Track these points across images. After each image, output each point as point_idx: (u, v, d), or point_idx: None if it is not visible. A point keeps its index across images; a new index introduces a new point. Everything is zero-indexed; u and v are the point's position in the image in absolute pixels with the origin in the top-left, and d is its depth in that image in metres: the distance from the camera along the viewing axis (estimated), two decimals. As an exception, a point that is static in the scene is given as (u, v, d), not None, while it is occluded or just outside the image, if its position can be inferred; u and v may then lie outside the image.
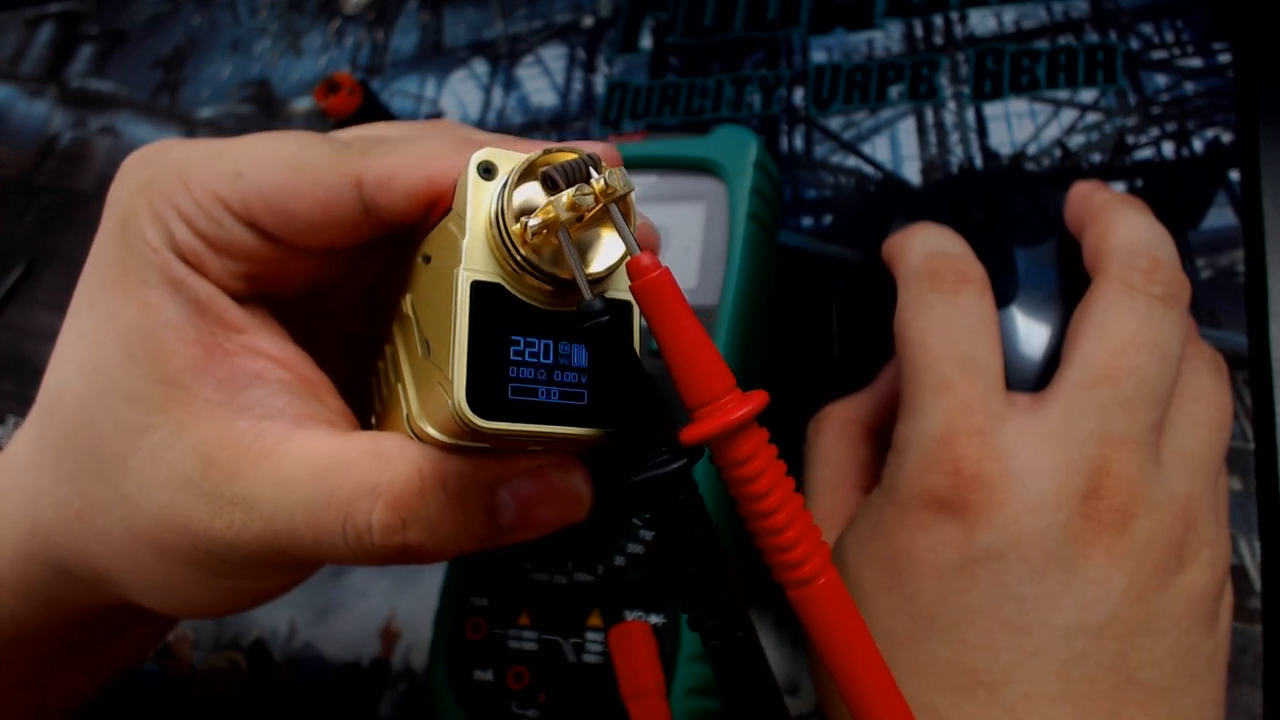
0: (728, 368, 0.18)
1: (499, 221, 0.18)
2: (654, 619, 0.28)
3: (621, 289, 0.19)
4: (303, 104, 0.49)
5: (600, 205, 0.18)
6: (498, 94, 0.45)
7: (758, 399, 0.18)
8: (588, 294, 0.18)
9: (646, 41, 0.44)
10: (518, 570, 0.30)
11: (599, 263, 0.18)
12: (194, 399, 0.21)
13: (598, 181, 0.18)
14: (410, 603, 0.36)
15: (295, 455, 0.20)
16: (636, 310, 0.19)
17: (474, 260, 0.18)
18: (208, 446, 0.21)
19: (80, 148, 0.53)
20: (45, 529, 0.23)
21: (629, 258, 0.18)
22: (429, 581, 0.36)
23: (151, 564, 0.22)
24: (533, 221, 0.17)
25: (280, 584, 0.25)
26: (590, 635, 0.28)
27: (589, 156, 0.18)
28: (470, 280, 0.18)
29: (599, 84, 0.44)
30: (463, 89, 0.46)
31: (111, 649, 0.29)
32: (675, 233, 0.32)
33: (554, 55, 0.45)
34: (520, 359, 0.18)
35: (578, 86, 0.44)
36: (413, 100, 0.47)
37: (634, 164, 0.33)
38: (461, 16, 0.49)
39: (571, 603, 0.29)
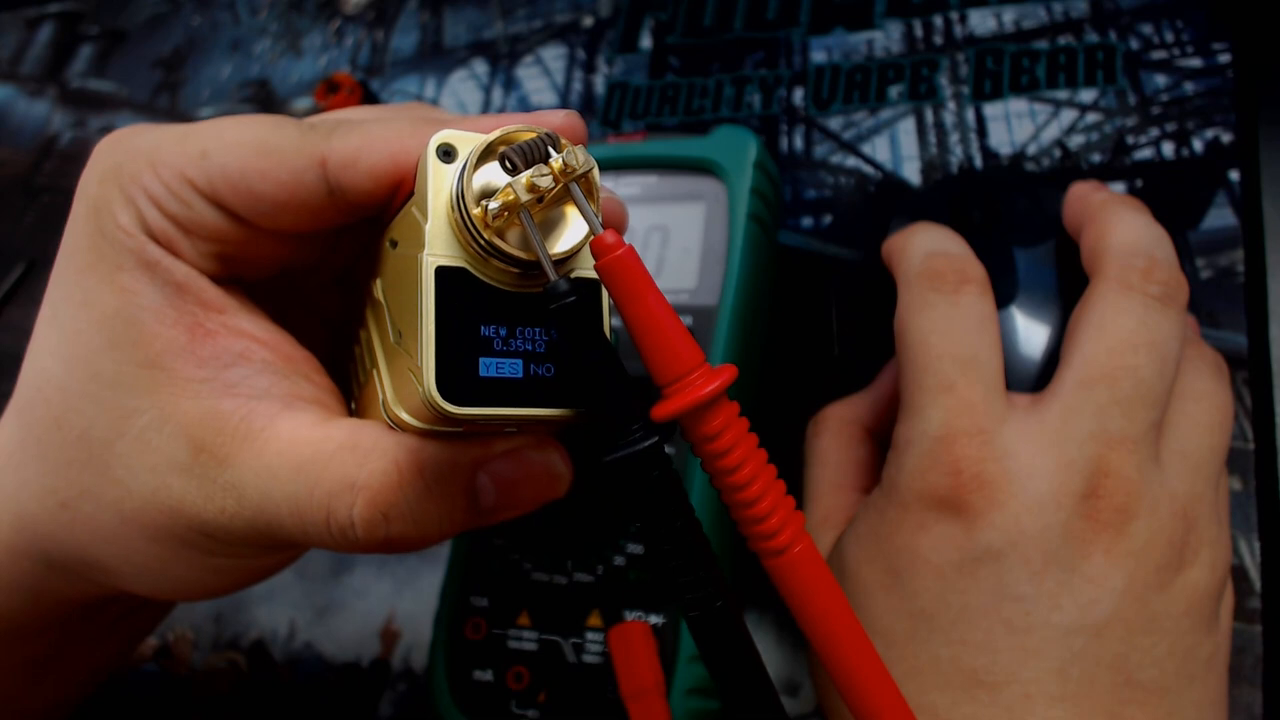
0: (695, 344, 0.18)
1: (459, 205, 0.18)
2: (654, 619, 0.28)
3: (589, 267, 0.19)
4: (303, 104, 0.49)
5: (560, 185, 0.17)
6: (498, 94, 0.45)
7: (727, 373, 0.18)
8: (553, 275, 0.18)
9: (646, 41, 0.44)
10: (518, 570, 0.30)
11: (564, 242, 0.18)
12: (177, 379, 0.21)
13: (556, 161, 0.17)
14: (410, 603, 0.36)
15: (278, 443, 0.20)
16: (605, 288, 0.19)
17: (437, 245, 0.18)
18: (195, 428, 0.21)
19: (80, 148, 0.53)
20: (31, 521, 0.23)
21: (592, 236, 0.18)
22: (429, 581, 0.36)
23: (143, 548, 0.22)
24: (493, 205, 0.17)
25: (274, 562, 0.25)
26: (590, 635, 0.28)
27: (547, 135, 0.18)
28: (434, 266, 0.18)
29: (599, 84, 0.44)
30: (463, 89, 0.46)
31: (100, 646, 0.29)
32: (675, 233, 0.32)
33: (554, 55, 0.45)
34: (489, 343, 0.18)
35: (578, 86, 0.44)
36: (413, 100, 0.47)
37: (634, 164, 0.33)
38: (461, 16, 0.49)
39: (571, 603, 0.29)
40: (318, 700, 0.36)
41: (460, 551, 0.31)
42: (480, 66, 0.47)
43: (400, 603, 0.36)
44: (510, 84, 0.46)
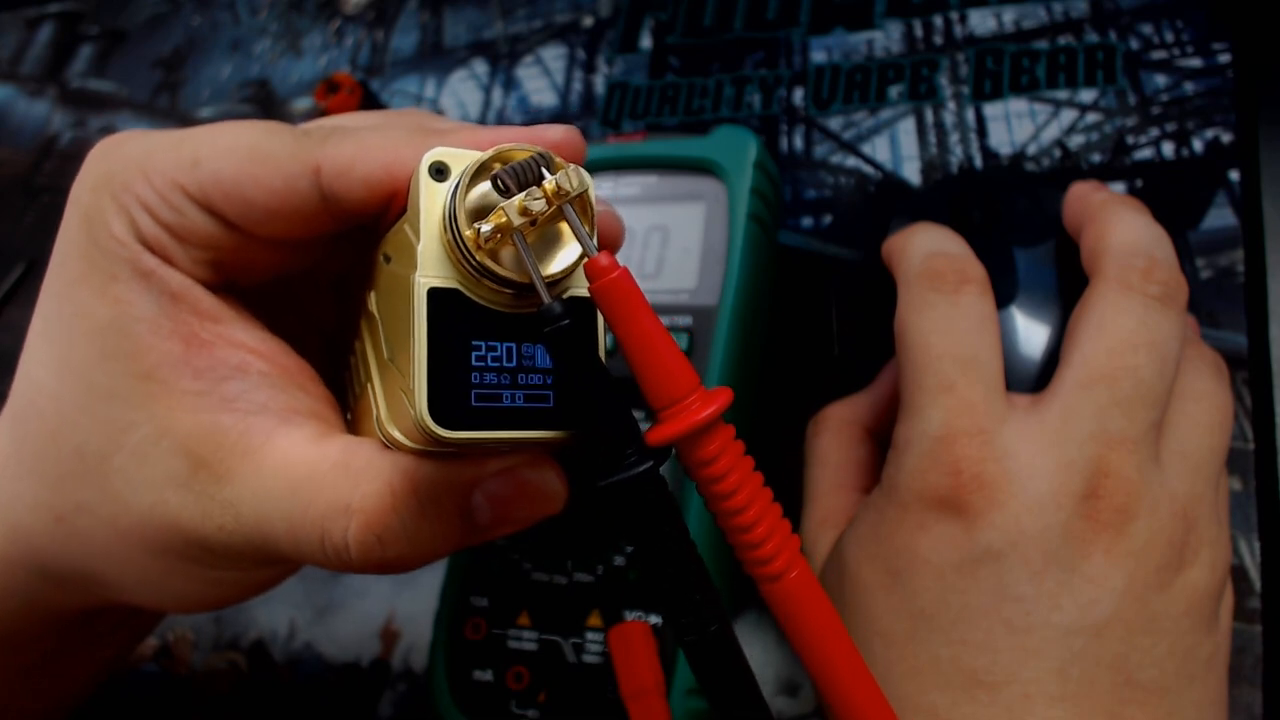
0: (691, 367, 0.18)
1: (452, 227, 0.17)
2: (653, 619, 0.28)
3: (585, 286, 0.18)
4: (303, 104, 0.49)
5: (554, 207, 0.17)
6: (498, 94, 0.45)
7: (722, 398, 0.18)
8: (546, 297, 0.17)
9: (646, 41, 0.44)
10: (518, 570, 0.30)
11: (559, 262, 0.18)
12: (174, 391, 0.20)
13: (549, 183, 0.17)
14: (410, 603, 0.36)
15: (274, 462, 0.20)
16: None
17: (429, 266, 0.18)
18: (193, 443, 0.20)
19: (80, 148, 0.53)
20: (26, 533, 0.22)
21: (586, 259, 0.17)
22: (429, 581, 0.36)
23: (141, 562, 0.22)
24: (485, 227, 0.17)
25: (274, 575, 0.25)
26: (590, 635, 0.28)
27: (540, 155, 0.18)
28: (427, 288, 0.17)
29: (599, 84, 0.44)
30: (463, 89, 0.46)
31: (96, 652, 0.29)
32: (675, 233, 0.32)
33: (554, 55, 0.45)
34: (483, 365, 0.18)
35: (578, 86, 0.44)
36: (413, 100, 0.47)
37: (634, 164, 0.33)
38: (461, 16, 0.49)
39: (571, 603, 0.29)
40: (318, 700, 0.36)
41: (460, 552, 0.31)
42: (480, 66, 0.47)
43: (400, 603, 0.36)
44: (510, 84, 0.46)
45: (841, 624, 0.19)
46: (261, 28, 0.53)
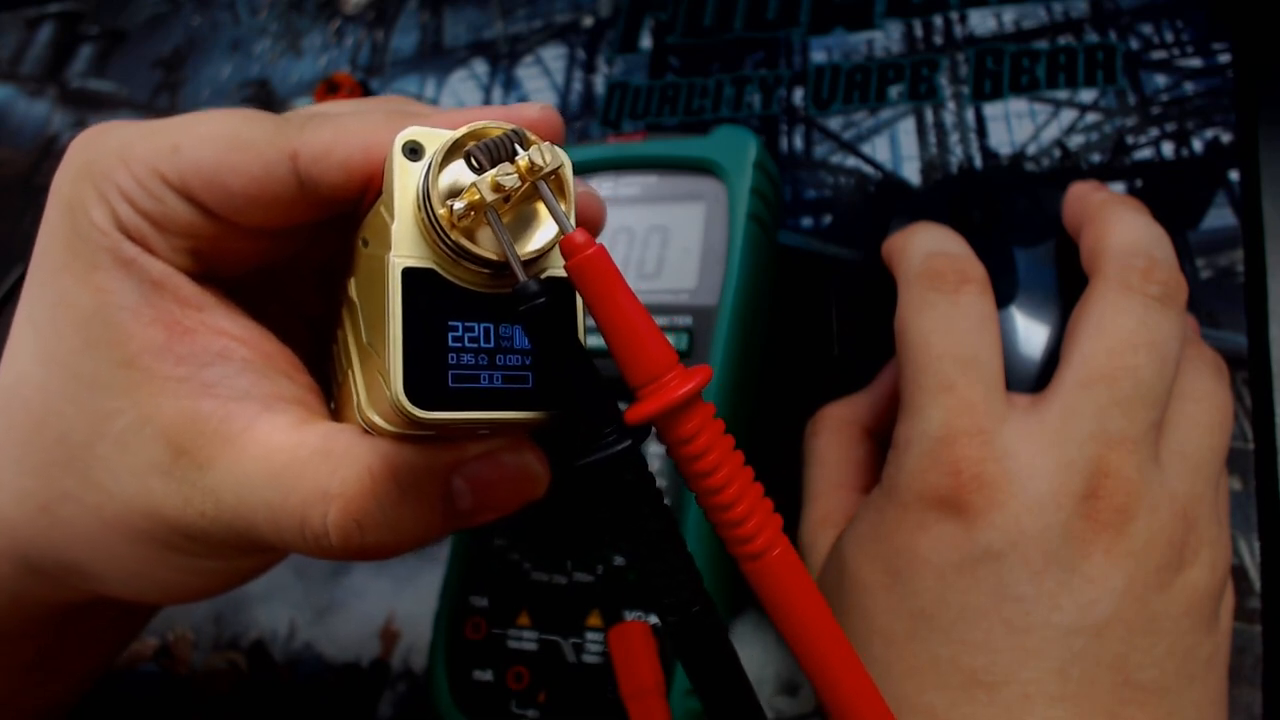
0: (669, 345, 0.18)
1: (425, 205, 0.17)
2: (653, 619, 0.28)
3: (563, 266, 0.18)
4: (303, 104, 0.49)
5: (527, 184, 0.17)
6: (498, 94, 0.45)
7: (701, 375, 0.18)
8: (522, 276, 0.17)
9: (646, 41, 0.44)
10: (518, 570, 0.30)
11: (535, 241, 0.18)
12: (156, 378, 0.20)
13: (523, 159, 0.17)
14: (410, 603, 0.36)
15: (255, 448, 0.20)
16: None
17: (404, 245, 0.17)
18: (174, 430, 0.20)
19: (80, 148, 0.53)
20: (10, 525, 0.22)
21: (562, 236, 0.17)
22: (429, 581, 0.36)
23: (125, 551, 0.22)
24: (458, 205, 0.17)
25: (258, 564, 0.25)
26: (590, 635, 0.28)
27: (514, 132, 0.17)
28: (401, 267, 0.17)
29: (599, 84, 0.44)
30: (463, 89, 0.46)
31: (89, 650, 0.29)
32: (675, 233, 0.32)
33: (554, 55, 0.45)
34: (460, 345, 0.18)
35: (578, 86, 0.44)
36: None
37: (634, 164, 0.33)
38: (461, 16, 0.49)
39: (571, 603, 0.29)
40: (318, 700, 0.36)
41: (460, 551, 0.31)
42: (480, 66, 0.47)
43: (400, 603, 0.36)
44: (510, 84, 0.46)
45: (824, 601, 0.19)
46: (261, 28, 0.53)
